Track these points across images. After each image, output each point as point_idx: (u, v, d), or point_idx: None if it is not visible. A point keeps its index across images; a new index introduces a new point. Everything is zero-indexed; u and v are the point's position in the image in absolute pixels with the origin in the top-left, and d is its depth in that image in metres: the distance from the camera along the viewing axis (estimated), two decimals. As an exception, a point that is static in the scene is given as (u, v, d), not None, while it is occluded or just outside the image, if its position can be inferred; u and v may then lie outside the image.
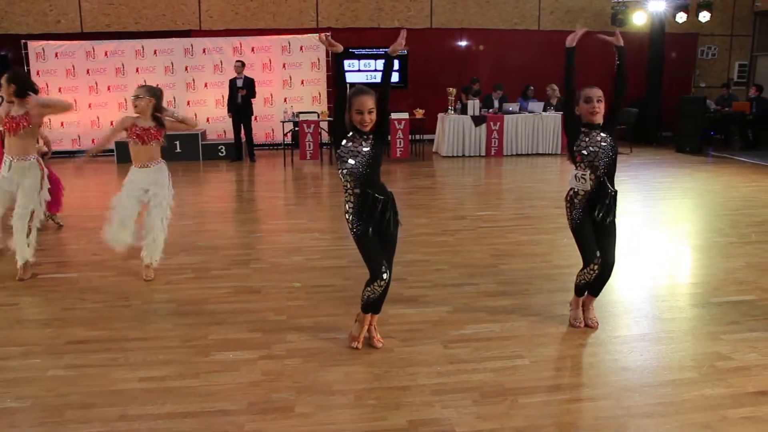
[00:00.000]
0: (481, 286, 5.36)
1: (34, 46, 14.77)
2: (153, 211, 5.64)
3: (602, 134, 4.27)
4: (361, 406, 3.47)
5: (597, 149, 4.24)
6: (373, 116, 3.95)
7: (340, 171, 4.00)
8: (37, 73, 14.62)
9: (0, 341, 4.39)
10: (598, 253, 4.29)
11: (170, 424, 3.34)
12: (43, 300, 5.14)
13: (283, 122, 13.68)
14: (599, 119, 4.28)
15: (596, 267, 4.29)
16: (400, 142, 13.02)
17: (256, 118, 13.77)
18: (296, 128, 13.29)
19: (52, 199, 7.73)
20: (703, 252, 6.40)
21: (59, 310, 4.93)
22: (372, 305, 4.09)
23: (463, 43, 16.43)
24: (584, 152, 4.28)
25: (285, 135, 13.42)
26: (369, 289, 4.01)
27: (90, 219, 7.91)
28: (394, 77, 15.06)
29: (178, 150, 13.92)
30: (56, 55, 14.80)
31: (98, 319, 4.70)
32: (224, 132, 14.65)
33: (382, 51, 15.12)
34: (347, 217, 4.03)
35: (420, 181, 10.91)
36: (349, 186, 4.00)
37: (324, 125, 13.44)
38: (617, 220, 4.39)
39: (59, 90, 14.59)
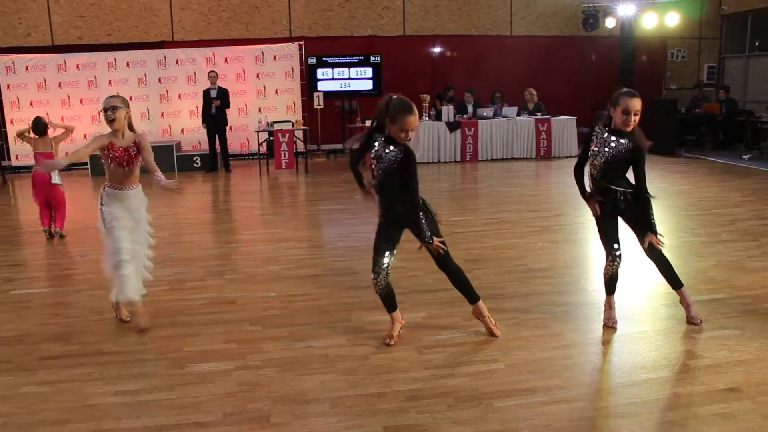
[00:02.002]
0: (456, 292, 5.33)
1: (3, 59, 14.58)
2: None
3: (614, 137, 4.34)
4: (337, 413, 3.47)
5: (599, 150, 4.35)
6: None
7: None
8: (8, 87, 14.47)
9: None
10: (615, 246, 4.40)
11: (146, 438, 3.32)
12: (15, 316, 5.07)
13: (258, 132, 13.65)
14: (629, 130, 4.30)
15: (613, 261, 4.43)
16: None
17: (230, 129, 13.76)
18: (271, 137, 13.27)
19: (57, 213, 7.83)
20: (675, 251, 6.47)
21: (31, 326, 4.88)
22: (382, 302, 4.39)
23: (437, 50, 16.53)
24: (593, 149, 4.43)
25: (260, 144, 13.39)
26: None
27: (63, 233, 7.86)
28: (367, 84, 15.17)
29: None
30: (27, 69, 14.63)
31: (72, 334, 4.66)
32: (199, 143, 14.60)
33: (355, 59, 15.18)
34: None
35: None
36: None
37: (299, 134, 13.45)
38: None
39: (30, 104, 14.44)
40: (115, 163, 4.72)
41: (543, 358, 4.12)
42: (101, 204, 4.81)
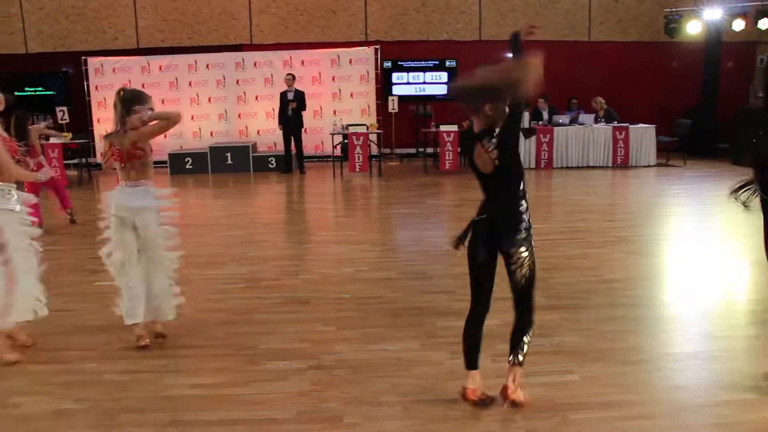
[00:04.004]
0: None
1: (93, 62, 15.28)
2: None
3: None
4: (409, 417, 3.47)
5: None
6: None
7: (523, 184, 3.55)
8: (96, 88, 15.12)
9: (59, 345, 4.54)
10: None
11: (221, 431, 3.39)
12: (99, 306, 5.23)
13: (333, 134, 13.80)
14: None
15: None
16: (449, 154, 12.99)
17: (306, 131, 13.93)
18: (345, 140, 13.39)
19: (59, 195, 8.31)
20: (762, 268, 6.21)
21: (114, 317, 5.03)
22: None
23: (512, 55, 16.32)
24: None
25: (334, 147, 13.53)
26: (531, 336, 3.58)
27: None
28: (442, 89, 15.13)
29: (230, 162, 14.16)
30: (113, 71, 15.27)
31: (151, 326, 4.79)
32: (274, 144, 14.85)
33: (430, 63, 15.18)
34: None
35: (469, 193, 10.83)
36: (527, 203, 3.57)
37: (373, 137, 13.52)
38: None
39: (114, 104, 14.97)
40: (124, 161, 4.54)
41: (620, 371, 4.01)
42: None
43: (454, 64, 15.10)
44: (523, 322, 3.52)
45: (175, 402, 3.73)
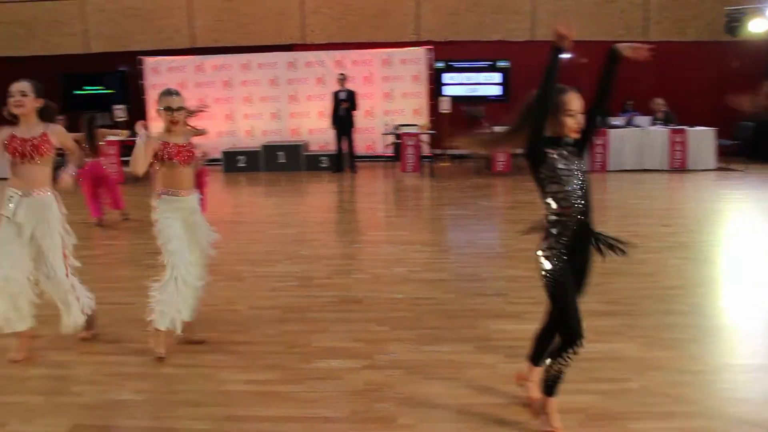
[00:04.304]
0: (586, 305, 5.16)
1: (149, 62, 15.63)
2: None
3: None
4: (463, 420, 3.44)
5: None
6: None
7: (550, 196, 3.16)
8: (152, 87, 15.42)
9: (117, 338, 4.63)
10: None
11: (275, 427, 3.41)
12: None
13: (385, 134, 13.80)
14: None
15: None
16: (501, 156, 12.88)
17: (357, 130, 13.97)
18: (398, 141, 13.38)
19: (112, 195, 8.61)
20: None
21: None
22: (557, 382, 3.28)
23: (566, 56, 16.12)
24: None
25: (386, 147, 13.53)
26: (561, 358, 3.21)
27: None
28: (494, 90, 15.01)
29: (282, 160, 14.31)
30: (169, 70, 15.59)
31: (207, 322, 4.84)
32: (326, 143, 14.94)
33: (483, 64, 15.07)
34: (545, 254, 3.19)
35: (521, 195, 10.75)
36: (558, 217, 3.16)
37: (425, 138, 13.49)
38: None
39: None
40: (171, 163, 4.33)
41: (679, 381, 3.90)
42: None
43: (507, 64, 14.98)
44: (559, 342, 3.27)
45: (230, 397, 3.78)
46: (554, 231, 3.15)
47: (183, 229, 4.33)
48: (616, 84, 3.23)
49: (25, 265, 4.24)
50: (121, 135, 12.07)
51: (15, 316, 4.25)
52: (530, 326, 4.63)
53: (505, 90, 15.00)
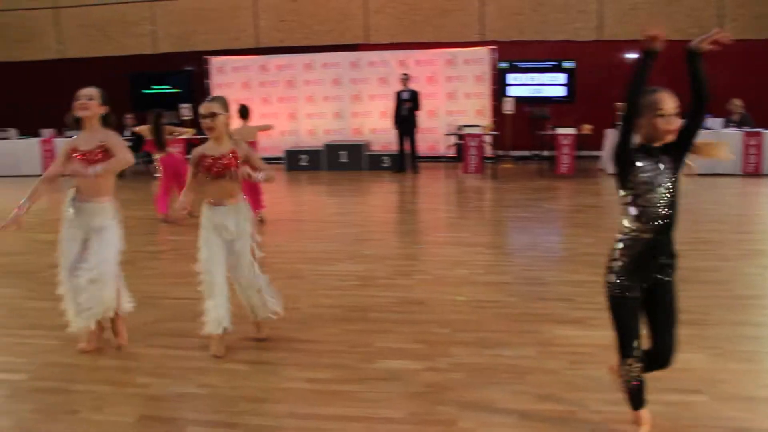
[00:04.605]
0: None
1: (214, 61, 15.97)
2: (240, 260, 4.46)
3: None
4: (525, 426, 3.38)
5: None
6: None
7: (632, 206, 2.99)
8: (217, 86, 15.78)
9: (182, 332, 4.72)
10: None
11: (336, 426, 3.42)
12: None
13: (447, 135, 13.73)
14: None
15: None
16: (565, 158, 12.67)
17: (419, 131, 13.95)
18: (460, 141, 13.31)
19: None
20: None
21: (234, 308, 5.17)
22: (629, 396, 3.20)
23: (634, 55, 15.76)
24: None
25: (448, 148, 13.47)
26: (622, 372, 3.16)
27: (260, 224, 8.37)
28: (559, 91, 14.76)
29: (344, 160, 14.40)
30: (234, 69, 15.90)
31: (269, 320, 4.90)
32: (388, 143, 14.96)
33: (548, 64, 14.86)
34: (611, 264, 3.08)
35: (585, 199, 10.56)
36: (634, 228, 2.99)
37: (487, 139, 13.38)
38: None
39: (235, 101, 15.63)
40: (210, 175, 4.30)
41: (755, 396, 3.73)
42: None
43: (572, 65, 14.73)
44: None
45: (292, 394, 3.80)
46: (626, 242, 3.02)
47: (220, 238, 4.35)
48: (706, 83, 3.01)
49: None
50: (187, 133, 12.38)
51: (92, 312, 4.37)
52: (595, 332, 4.57)
53: (570, 91, 14.75)
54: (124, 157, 4.24)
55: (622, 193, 3.03)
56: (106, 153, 4.22)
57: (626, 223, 3.02)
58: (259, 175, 4.24)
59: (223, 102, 4.28)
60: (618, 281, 3.02)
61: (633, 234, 2.99)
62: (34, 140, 15.49)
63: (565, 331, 4.61)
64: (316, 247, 7.39)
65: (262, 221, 8.47)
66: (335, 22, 15.94)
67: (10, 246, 7.96)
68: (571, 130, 12.79)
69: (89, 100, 4.22)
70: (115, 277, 4.43)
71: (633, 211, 2.97)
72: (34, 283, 6.29)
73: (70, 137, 4.44)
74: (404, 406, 3.61)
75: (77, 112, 4.22)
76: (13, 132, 16.03)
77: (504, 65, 14.97)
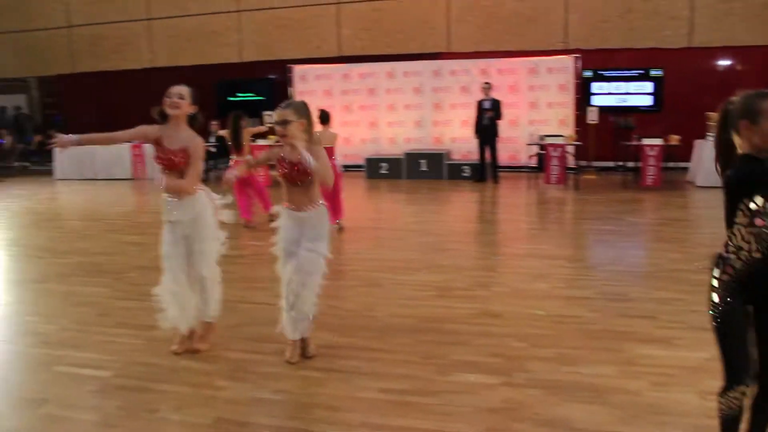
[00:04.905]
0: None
1: (297, 69, 16.28)
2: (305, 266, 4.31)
3: None
4: (606, 449, 3.27)
5: None
6: None
7: (739, 227, 2.69)
8: (299, 94, 16.09)
9: (259, 336, 4.78)
10: None
11: (408, 438, 3.40)
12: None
13: (529, 145, 13.53)
14: None
15: None
16: (651, 169, 12.27)
17: (501, 140, 13.79)
18: (542, 151, 13.09)
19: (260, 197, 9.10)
20: None
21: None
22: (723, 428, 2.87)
23: (726, 63, 15.16)
24: None
25: (530, 158, 13.27)
26: (723, 399, 2.82)
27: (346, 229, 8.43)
28: (646, 100, 14.31)
29: (424, 168, 14.39)
30: (316, 78, 16.18)
31: (345, 327, 4.92)
32: (468, 152, 14.85)
33: (634, 73, 14.44)
34: (715, 284, 2.81)
35: (672, 212, 10.18)
36: (744, 247, 2.70)
37: (570, 149, 13.10)
38: None
39: (316, 110, 15.92)
40: (287, 181, 4.30)
41: None
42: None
43: (660, 73, 14.26)
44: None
45: (365, 404, 3.79)
46: (731, 264, 2.75)
47: (293, 243, 4.34)
48: None
49: (185, 267, 4.53)
50: (270, 140, 12.64)
51: (181, 317, 4.54)
52: (680, 353, 4.39)
53: (656, 100, 14.28)
54: (197, 171, 4.37)
55: (727, 207, 2.74)
56: (186, 157, 4.31)
57: (736, 240, 2.73)
58: (309, 159, 4.11)
59: (298, 108, 4.20)
60: (723, 301, 2.78)
61: (742, 252, 2.72)
62: (125, 146, 16.18)
63: (649, 351, 4.44)
64: (394, 255, 7.38)
65: (340, 229, 8.54)
66: (417, 30, 15.96)
67: (101, 247, 8.31)
68: (657, 141, 12.38)
69: (180, 99, 4.29)
70: (217, 282, 4.58)
71: (738, 234, 2.71)
72: (122, 283, 6.53)
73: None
74: (478, 421, 3.55)
75: (167, 109, 4.30)
76: (106, 137, 16.76)
77: (588, 74, 14.64)
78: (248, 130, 9.21)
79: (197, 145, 4.37)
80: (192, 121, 4.42)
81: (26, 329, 5.32)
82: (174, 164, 4.32)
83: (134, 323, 5.27)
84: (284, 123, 4.11)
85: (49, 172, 17.32)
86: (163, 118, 4.36)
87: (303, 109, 4.22)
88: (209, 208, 4.52)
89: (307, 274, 4.25)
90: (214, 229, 4.55)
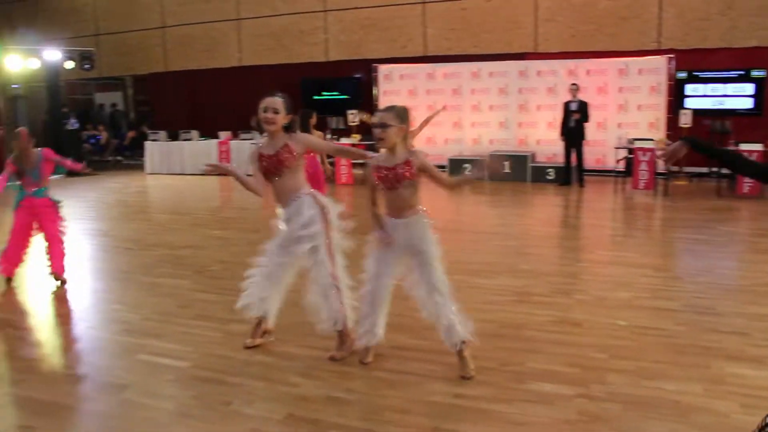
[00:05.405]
0: None
1: (383, 69, 16.33)
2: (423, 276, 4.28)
3: None
4: (688, 471, 3.11)
5: None
6: None
7: None
8: (384, 93, 16.15)
9: (334, 335, 4.66)
10: None
11: (483, 447, 3.33)
12: None
13: (617, 148, 13.14)
14: None
15: None
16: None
17: (587, 143, 13.42)
18: (630, 155, 12.67)
19: None
20: None
21: (391, 317, 5.15)
22: None
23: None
24: None
25: (617, 162, 12.87)
26: None
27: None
28: (745, 103, 13.63)
29: (507, 170, 14.18)
30: (401, 77, 16.21)
31: (420, 330, 4.85)
32: (553, 155, 14.54)
33: (733, 74, 13.78)
34: None
35: (770, 222, 9.66)
36: None
37: (661, 153, 12.62)
38: None
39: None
40: (384, 186, 4.19)
41: None
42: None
43: (763, 74, 13.55)
44: None
45: (438, 408, 3.76)
46: None
47: (393, 252, 4.28)
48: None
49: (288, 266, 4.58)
50: (353, 139, 12.73)
51: (255, 303, 4.60)
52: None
53: (757, 103, 13.56)
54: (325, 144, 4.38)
55: None
56: (291, 152, 4.32)
57: None
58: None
59: (398, 112, 4.09)
60: None
61: None
62: (212, 141, 16.71)
63: (739, 369, 4.20)
64: (473, 258, 7.29)
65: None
66: (504, 30, 15.73)
67: (186, 240, 8.56)
68: (757, 146, 11.75)
69: (275, 114, 4.26)
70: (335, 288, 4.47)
71: None
72: (204, 276, 6.71)
73: (251, 141, 4.63)
74: (554, 432, 3.45)
75: (264, 126, 4.30)
76: (194, 133, 17.34)
77: (682, 75, 14.06)
78: (317, 133, 9.28)
79: (300, 137, 4.41)
80: (287, 130, 4.38)
81: (112, 317, 5.55)
82: (282, 162, 4.32)
83: (213, 316, 5.40)
84: (384, 126, 4.02)
85: (140, 166, 18.02)
86: (261, 129, 4.40)
87: (404, 115, 4.11)
88: (323, 212, 4.47)
89: (438, 293, 4.22)
90: (326, 236, 4.48)
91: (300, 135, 4.44)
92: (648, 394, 3.88)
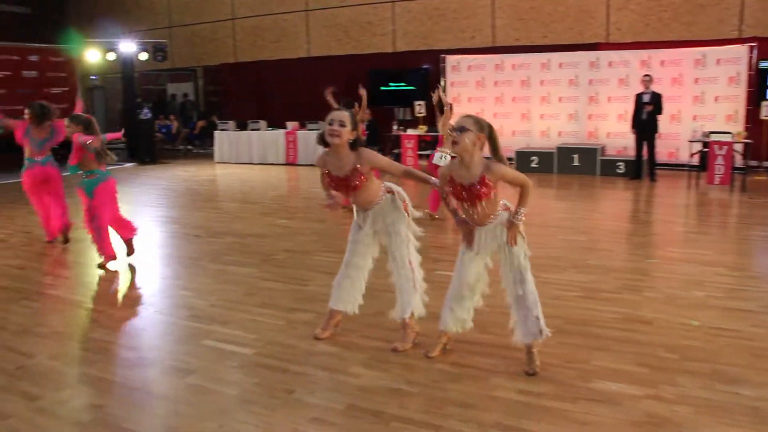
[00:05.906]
0: None
1: (451, 59, 16.21)
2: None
3: None
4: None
5: None
6: None
7: None
8: (452, 84, 16.02)
9: (398, 326, 4.63)
10: None
11: (545, 445, 3.26)
12: (436, 295, 5.08)
13: (691, 142, 12.70)
14: None
15: None
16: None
17: (660, 136, 13.01)
18: (705, 149, 12.22)
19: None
20: None
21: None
22: None
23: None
24: None
25: (692, 155, 12.43)
26: None
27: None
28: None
29: (576, 163, 13.91)
30: (469, 68, 16.04)
31: (484, 324, 4.79)
32: (624, 148, 14.16)
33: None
34: None
35: None
36: None
37: (738, 147, 12.14)
38: None
39: (468, 100, 15.83)
40: (461, 203, 4.13)
41: None
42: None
43: None
44: None
45: (500, 404, 3.70)
46: None
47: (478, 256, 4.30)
48: None
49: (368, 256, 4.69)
50: (420, 130, 12.70)
51: (334, 294, 4.71)
52: None
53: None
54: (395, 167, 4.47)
55: None
56: (361, 175, 4.29)
57: None
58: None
59: (477, 120, 3.94)
60: None
61: None
62: (279, 132, 16.92)
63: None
64: (539, 252, 7.08)
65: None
66: (574, 20, 15.39)
67: (253, 228, 8.70)
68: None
69: (341, 127, 4.18)
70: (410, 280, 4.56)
71: None
72: (269, 265, 6.79)
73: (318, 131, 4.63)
74: (620, 434, 3.35)
75: (328, 138, 4.23)
76: (262, 123, 17.60)
77: (765, 65, 13.44)
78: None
79: (365, 154, 4.32)
80: (352, 146, 4.29)
81: (180, 303, 5.68)
82: (354, 187, 4.34)
83: (277, 304, 5.46)
84: (461, 130, 3.88)
85: (209, 155, 18.40)
86: (325, 143, 4.32)
87: (484, 124, 3.96)
88: (398, 212, 4.50)
89: (522, 282, 4.24)
90: (405, 232, 4.53)
91: (366, 154, 4.31)
92: (723, 398, 3.72)
